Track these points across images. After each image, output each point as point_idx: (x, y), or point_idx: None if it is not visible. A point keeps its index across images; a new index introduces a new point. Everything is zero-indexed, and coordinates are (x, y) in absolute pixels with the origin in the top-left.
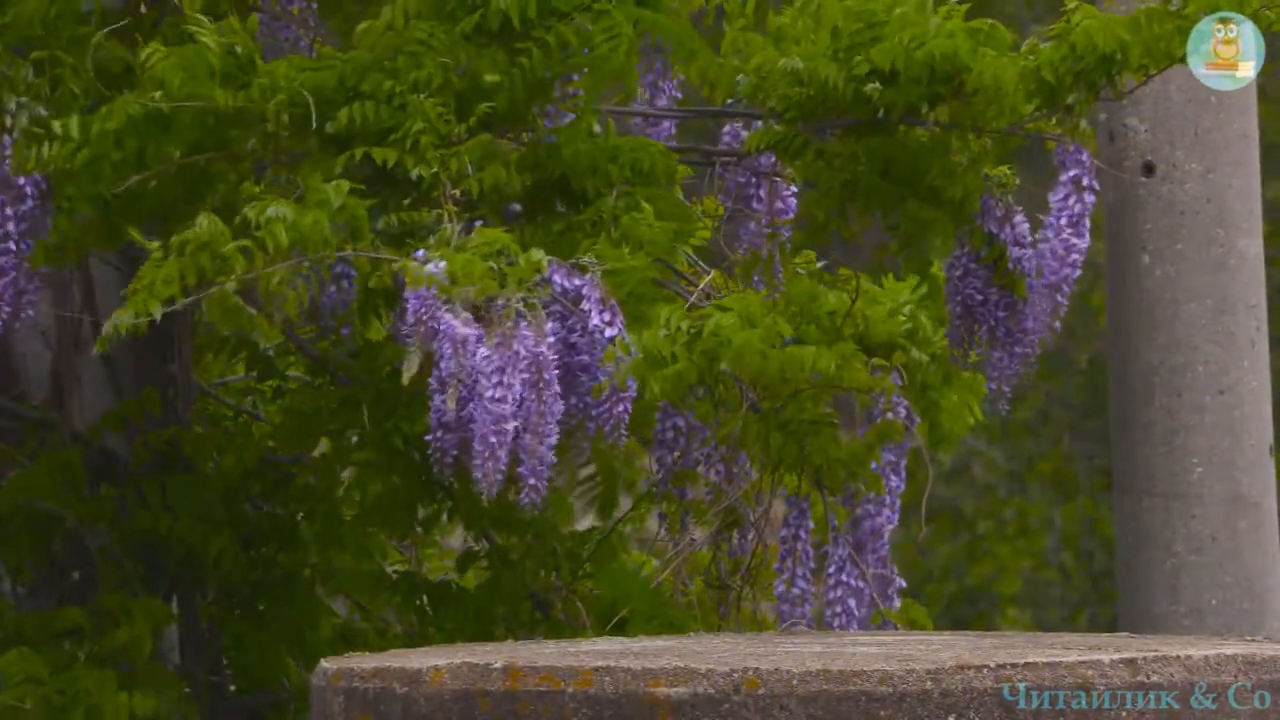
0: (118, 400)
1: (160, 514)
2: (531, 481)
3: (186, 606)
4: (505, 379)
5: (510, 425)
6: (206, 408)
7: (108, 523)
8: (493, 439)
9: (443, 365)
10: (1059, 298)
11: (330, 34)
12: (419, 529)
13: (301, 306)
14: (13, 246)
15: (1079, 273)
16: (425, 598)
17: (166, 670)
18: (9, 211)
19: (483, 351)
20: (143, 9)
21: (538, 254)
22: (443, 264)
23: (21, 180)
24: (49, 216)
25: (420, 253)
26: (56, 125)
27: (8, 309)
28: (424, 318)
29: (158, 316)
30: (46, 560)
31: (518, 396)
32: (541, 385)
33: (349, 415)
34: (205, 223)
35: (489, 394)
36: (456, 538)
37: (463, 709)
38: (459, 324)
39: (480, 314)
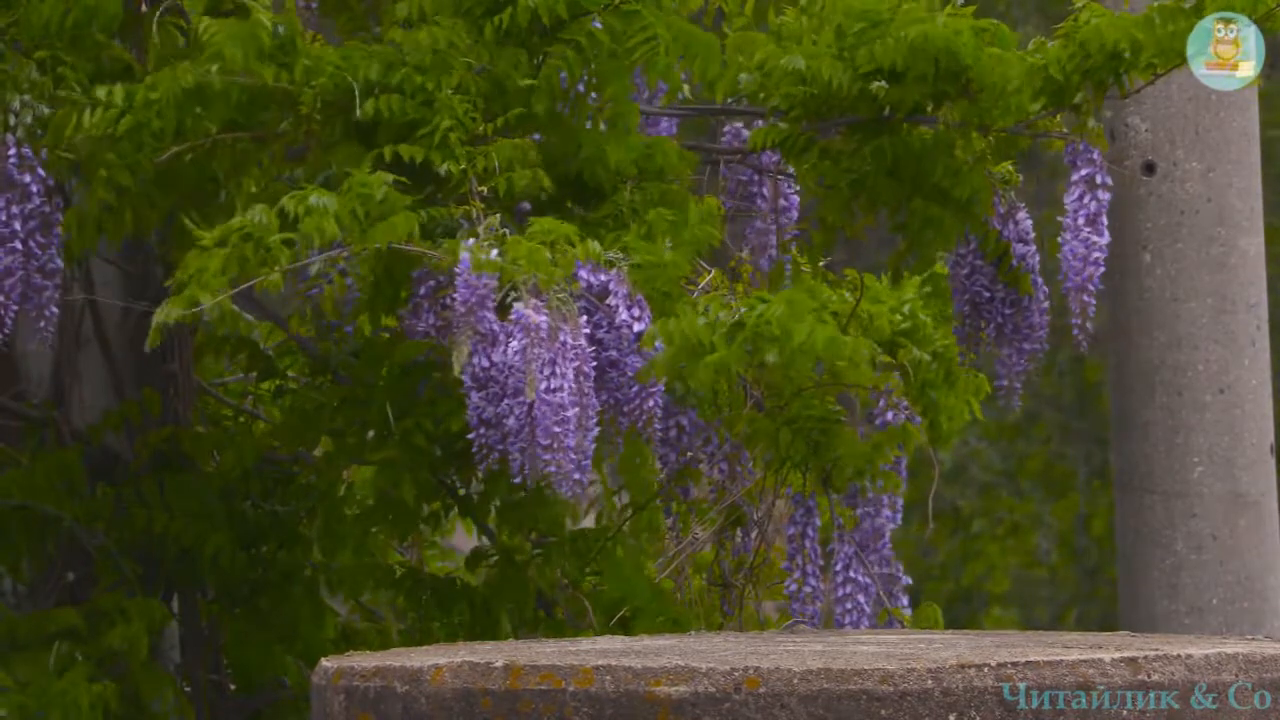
0: (118, 399)
1: (158, 513)
2: (576, 476)
3: (186, 606)
4: (558, 370)
5: (571, 413)
6: (206, 407)
7: (105, 522)
8: (556, 429)
9: (510, 353)
10: (1085, 298)
11: (330, 32)
12: (424, 528)
13: (337, 299)
14: (19, 246)
15: (1103, 269)
16: (429, 594)
17: (163, 670)
18: (14, 210)
19: (531, 342)
20: (143, 8)
21: (594, 245)
22: (495, 251)
23: (27, 178)
24: (58, 214)
25: (470, 241)
26: (100, 93)
27: (15, 307)
28: (474, 307)
29: (206, 307)
30: (45, 560)
31: (572, 387)
32: (583, 378)
33: (350, 413)
34: (260, 214)
35: (543, 385)
36: (458, 537)
37: (464, 708)
38: (530, 311)
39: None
